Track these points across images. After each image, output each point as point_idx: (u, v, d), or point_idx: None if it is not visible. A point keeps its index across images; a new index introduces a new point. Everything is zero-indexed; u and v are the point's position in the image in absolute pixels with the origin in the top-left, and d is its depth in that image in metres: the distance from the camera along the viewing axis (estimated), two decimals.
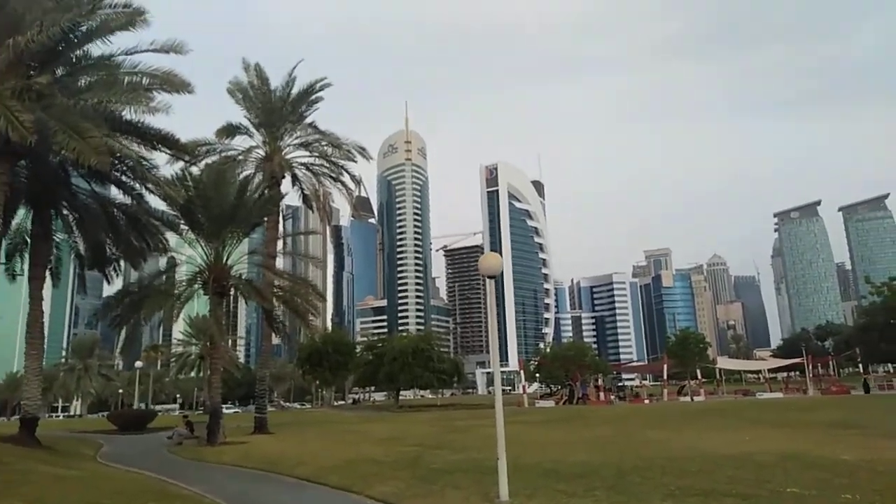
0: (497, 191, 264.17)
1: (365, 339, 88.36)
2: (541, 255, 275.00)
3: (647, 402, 54.75)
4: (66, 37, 15.66)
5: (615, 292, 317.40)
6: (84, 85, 17.21)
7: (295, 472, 16.45)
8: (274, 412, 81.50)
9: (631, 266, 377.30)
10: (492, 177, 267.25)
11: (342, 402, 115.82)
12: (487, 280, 12.16)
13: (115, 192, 22.68)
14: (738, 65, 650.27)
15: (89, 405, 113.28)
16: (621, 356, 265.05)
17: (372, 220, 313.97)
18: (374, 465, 16.38)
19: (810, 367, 61.66)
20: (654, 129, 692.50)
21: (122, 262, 24.90)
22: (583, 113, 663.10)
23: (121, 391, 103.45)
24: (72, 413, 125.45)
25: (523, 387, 71.33)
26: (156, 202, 24.03)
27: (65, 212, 22.57)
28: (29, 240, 22.83)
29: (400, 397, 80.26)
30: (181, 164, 25.66)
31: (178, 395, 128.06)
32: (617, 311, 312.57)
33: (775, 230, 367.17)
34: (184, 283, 27.20)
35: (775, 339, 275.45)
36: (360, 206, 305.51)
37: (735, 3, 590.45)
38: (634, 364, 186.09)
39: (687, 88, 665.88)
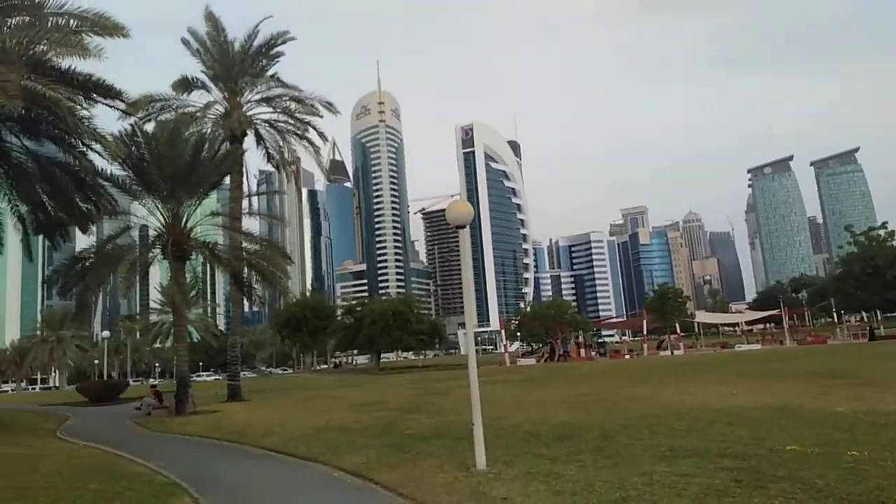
0: (473, 152, 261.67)
1: (345, 303, 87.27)
2: (519, 216, 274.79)
3: (627, 357, 54.76)
4: None
5: (593, 251, 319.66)
6: (4, 28, 15.42)
7: (262, 442, 15.53)
8: (254, 378, 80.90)
9: (608, 224, 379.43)
10: (467, 137, 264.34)
11: (324, 367, 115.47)
12: (460, 231, 11.06)
13: (54, 150, 20.88)
14: (716, 20, 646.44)
15: (68, 377, 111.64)
16: (601, 313, 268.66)
17: (348, 184, 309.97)
18: (344, 434, 15.44)
19: (786, 318, 62.11)
20: (630, 87, 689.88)
21: (70, 228, 23.26)
22: (559, 72, 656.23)
23: (96, 362, 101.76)
24: (49, 385, 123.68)
25: (505, 346, 71.23)
26: (105, 163, 22.39)
27: None
28: None
29: (381, 360, 79.86)
30: (133, 120, 24.02)
31: (156, 365, 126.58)
32: (595, 269, 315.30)
33: (749, 186, 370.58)
34: (137, 247, 25.59)
35: (750, 293, 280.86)
36: (335, 169, 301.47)
37: None
38: (614, 320, 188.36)
39: (665, 46, 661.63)
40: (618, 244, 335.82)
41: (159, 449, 15.88)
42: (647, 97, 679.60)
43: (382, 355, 77.07)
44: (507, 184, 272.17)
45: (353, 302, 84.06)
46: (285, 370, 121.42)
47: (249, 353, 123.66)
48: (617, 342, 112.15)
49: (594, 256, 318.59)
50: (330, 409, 22.96)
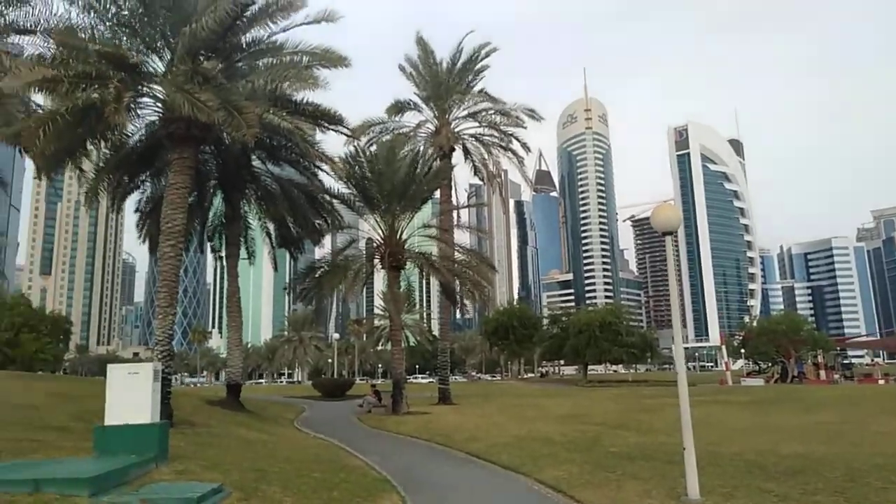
0: (688, 153, 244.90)
1: (551, 312, 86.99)
2: (742, 221, 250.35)
3: (882, 382, 46.73)
4: (232, 23, 16.39)
5: (836, 259, 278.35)
6: (249, 67, 18.12)
7: (467, 447, 15.91)
8: (463, 383, 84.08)
9: (855, 229, 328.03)
10: (681, 139, 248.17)
11: (530, 375, 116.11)
12: (667, 238, 10.32)
13: (292, 173, 24.00)
14: None
15: (308, 373, 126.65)
16: (846, 331, 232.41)
17: (554, 194, 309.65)
18: (547, 445, 15.22)
19: None
20: (879, 74, 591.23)
21: (304, 242, 26.46)
22: (783, 63, 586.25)
23: (330, 360, 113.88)
24: (293, 380, 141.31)
25: (726, 363, 65.20)
26: (333, 182, 25.15)
27: (249, 193, 24.49)
28: (224, 221, 25.15)
29: (589, 371, 78.02)
30: (356, 142, 26.70)
31: (379, 365, 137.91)
32: (839, 279, 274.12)
33: None
34: (361, 259, 28.17)
35: None
36: (541, 179, 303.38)
37: None
38: (865, 339, 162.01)
39: None
40: (868, 251, 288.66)
41: (375, 445, 17.07)
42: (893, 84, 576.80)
43: (590, 367, 75.25)
44: (727, 186, 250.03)
45: (559, 311, 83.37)
46: (493, 376, 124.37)
47: (460, 359, 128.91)
48: (868, 364, 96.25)
49: (837, 265, 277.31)
50: (534, 418, 22.89)
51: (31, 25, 18.48)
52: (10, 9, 18.54)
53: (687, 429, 8.97)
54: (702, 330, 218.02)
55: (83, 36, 16.22)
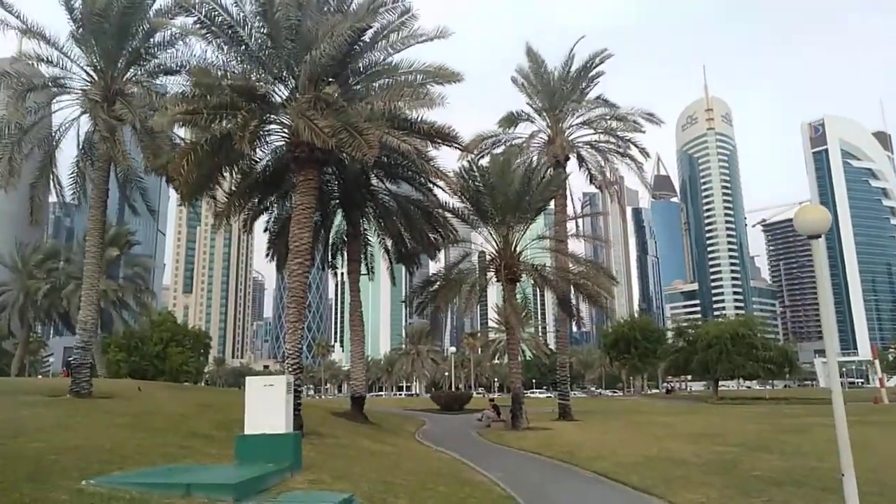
0: (826, 150, 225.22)
1: (675, 324, 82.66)
2: (893, 221, 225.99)
3: None
4: (349, 48, 17.13)
5: None
6: (366, 89, 18.86)
7: (592, 465, 15.32)
8: (584, 399, 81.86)
9: None
10: (817, 135, 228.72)
11: (655, 391, 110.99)
12: (813, 242, 9.38)
13: (407, 189, 24.67)
14: None
15: (426, 386, 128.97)
16: None
17: (674, 200, 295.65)
18: (680, 466, 14.32)
19: None
20: None
21: (420, 256, 27.02)
22: None
23: (446, 374, 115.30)
24: (411, 392, 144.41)
25: (880, 379, 58.64)
26: (447, 197, 25.52)
27: (367, 210, 25.42)
28: (346, 239, 26.28)
29: (720, 388, 73.23)
30: (470, 156, 26.99)
31: (495, 379, 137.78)
32: None
33: None
34: (475, 272, 28.27)
35: None
36: (660, 185, 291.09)
37: None
38: None
39: None
40: None
41: (497, 461, 16.87)
42: None
43: (721, 383, 70.62)
44: (874, 184, 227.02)
45: (685, 324, 79.13)
46: (614, 392, 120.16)
47: (578, 373, 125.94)
48: None
49: None
50: (662, 436, 21.71)
51: (175, 66, 20.40)
52: (160, 52, 20.58)
53: (846, 451, 8.02)
54: (848, 343, 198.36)
55: (218, 73, 17.64)
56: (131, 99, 19.66)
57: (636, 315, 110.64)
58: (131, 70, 20.76)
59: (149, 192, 24.54)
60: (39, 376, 60.95)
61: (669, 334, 78.48)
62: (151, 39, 20.45)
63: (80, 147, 22.01)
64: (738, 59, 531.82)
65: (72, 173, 22.33)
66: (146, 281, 52.96)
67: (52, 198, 23.16)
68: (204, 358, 68.02)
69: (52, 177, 21.62)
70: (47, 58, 19.80)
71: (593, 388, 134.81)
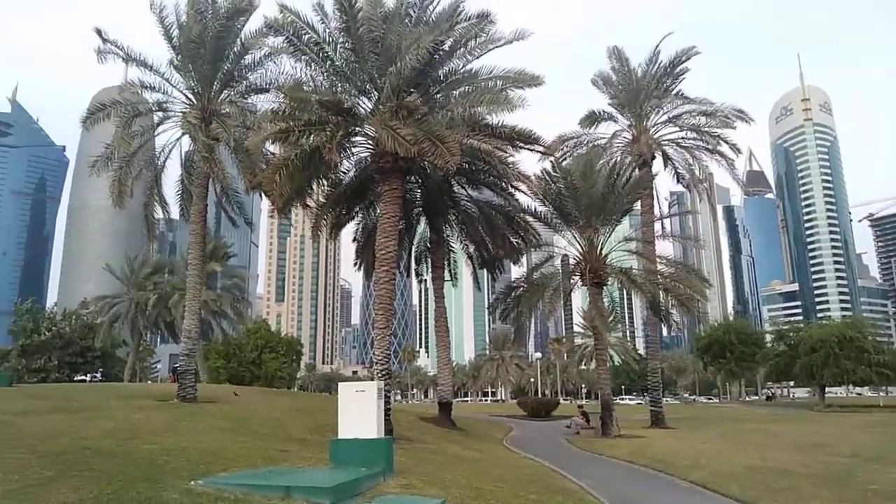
0: None
1: (775, 327, 77.93)
2: None
3: None
4: (430, 57, 17.37)
5: None
6: (446, 97, 19.06)
7: (688, 475, 14.73)
8: (677, 405, 78.78)
9: None
10: None
11: (754, 398, 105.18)
12: None
13: (488, 195, 24.68)
14: None
15: (511, 391, 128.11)
16: None
17: (769, 196, 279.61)
18: (785, 477, 13.50)
19: None
20: None
21: (503, 261, 26.93)
22: None
23: (532, 380, 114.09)
24: (497, 398, 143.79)
25: None
26: (529, 201, 25.34)
27: (450, 217, 25.60)
28: (429, 246, 26.60)
29: (826, 394, 68.45)
30: (551, 159, 26.68)
31: (583, 385, 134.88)
32: None
33: None
34: (558, 275, 27.85)
35: None
36: (753, 181, 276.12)
37: None
38: None
39: None
40: None
41: (588, 468, 16.50)
42: None
43: (827, 389, 65.97)
44: None
45: (786, 326, 74.52)
46: (710, 399, 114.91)
47: (670, 379, 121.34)
48: None
49: None
50: (764, 445, 20.56)
51: (265, 84, 21.39)
52: (250, 72, 21.65)
53: None
54: None
55: (307, 89, 18.35)
56: (226, 118, 20.80)
57: (731, 317, 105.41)
58: (225, 91, 21.95)
59: (244, 205, 25.87)
60: (149, 381, 65.27)
61: (768, 337, 74.22)
62: (242, 61, 21.55)
63: (182, 166, 23.52)
64: (835, 41, 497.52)
65: (177, 191, 23.87)
66: (242, 291, 55.63)
67: (158, 213, 24.81)
68: (297, 364, 70.61)
69: (159, 195, 23.19)
70: (150, 84, 21.27)
71: (687, 395, 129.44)
